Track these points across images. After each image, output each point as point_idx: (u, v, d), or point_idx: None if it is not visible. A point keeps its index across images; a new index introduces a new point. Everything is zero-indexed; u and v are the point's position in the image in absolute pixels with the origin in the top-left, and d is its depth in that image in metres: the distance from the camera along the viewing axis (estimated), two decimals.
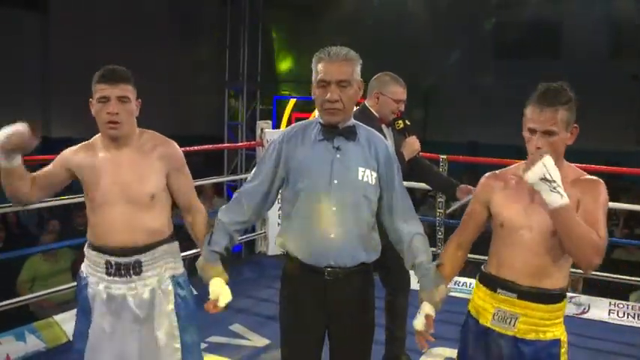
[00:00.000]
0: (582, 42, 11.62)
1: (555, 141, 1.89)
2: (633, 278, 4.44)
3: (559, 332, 2.00)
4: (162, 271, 2.24)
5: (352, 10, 11.69)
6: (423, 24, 11.51)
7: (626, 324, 4.27)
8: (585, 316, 4.38)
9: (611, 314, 4.35)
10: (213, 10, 11.66)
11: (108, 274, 2.18)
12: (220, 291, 2.15)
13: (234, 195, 2.25)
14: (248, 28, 9.84)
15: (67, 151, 2.24)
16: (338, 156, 2.09)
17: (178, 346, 2.24)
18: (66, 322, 3.69)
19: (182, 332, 2.25)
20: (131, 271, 2.18)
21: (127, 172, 2.17)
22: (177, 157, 2.30)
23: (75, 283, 4.18)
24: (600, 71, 11.25)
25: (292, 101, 9.96)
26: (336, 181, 2.07)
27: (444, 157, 4.59)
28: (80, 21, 9.92)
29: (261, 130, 5.44)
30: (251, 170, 8.49)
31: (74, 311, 3.74)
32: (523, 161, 2.00)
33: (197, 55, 12.35)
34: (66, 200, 4.02)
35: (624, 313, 4.32)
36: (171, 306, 2.23)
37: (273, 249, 5.27)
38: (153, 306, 2.21)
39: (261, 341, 3.72)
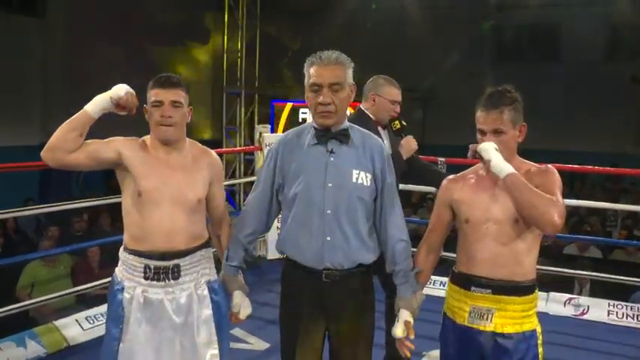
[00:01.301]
0: (581, 44, 11.69)
1: (504, 139, 2.03)
2: (633, 279, 4.47)
3: (534, 323, 2.09)
4: (198, 276, 2.24)
5: (351, 14, 11.74)
6: (423, 27, 11.57)
7: (626, 325, 4.29)
8: (585, 317, 4.41)
9: (610, 315, 4.37)
10: (211, 14, 11.72)
11: (146, 278, 2.17)
12: (242, 303, 2.26)
13: (243, 207, 2.33)
14: (246, 32, 9.88)
15: (123, 138, 2.23)
16: (332, 159, 2.13)
17: (216, 352, 2.24)
18: (66, 327, 3.72)
19: (218, 337, 2.26)
20: (169, 276, 2.17)
21: (178, 174, 2.19)
22: (220, 168, 2.36)
23: (75, 289, 4.27)
24: (599, 73, 11.31)
25: (289, 105, 10.03)
26: (330, 184, 2.11)
27: (442, 159, 4.58)
28: (78, 24, 9.95)
29: (260, 134, 5.45)
30: (249, 175, 8.56)
31: (74, 316, 3.84)
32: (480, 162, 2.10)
33: (195, 60, 12.39)
34: (65, 206, 4.06)
35: (623, 314, 4.35)
36: (208, 311, 2.23)
37: (272, 253, 5.30)
38: (190, 311, 2.20)
39: (261, 345, 3.75)
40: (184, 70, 11.91)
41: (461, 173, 2.23)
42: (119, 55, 10.08)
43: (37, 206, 4.44)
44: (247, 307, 2.28)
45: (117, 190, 2.31)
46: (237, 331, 3.88)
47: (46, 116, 9.63)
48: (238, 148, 9.54)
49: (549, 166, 2.09)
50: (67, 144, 2.08)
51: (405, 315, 2.16)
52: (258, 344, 3.76)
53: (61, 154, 2.09)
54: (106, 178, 10.09)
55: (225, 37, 9.99)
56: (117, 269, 2.26)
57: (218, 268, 2.35)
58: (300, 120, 9.52)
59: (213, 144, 8.89)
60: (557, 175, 2.05)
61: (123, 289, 2.20)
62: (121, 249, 2.25)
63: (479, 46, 12.71)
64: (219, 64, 10.31)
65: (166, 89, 2.15)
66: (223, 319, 2.29)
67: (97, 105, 2.11)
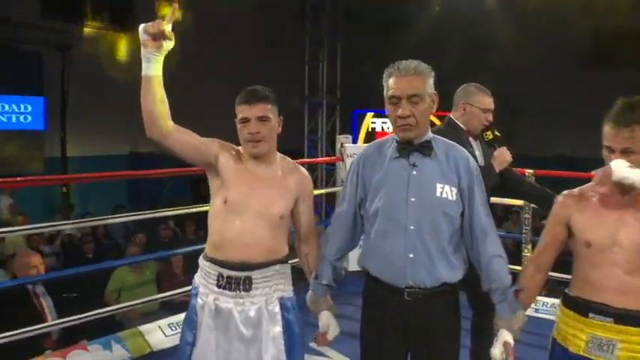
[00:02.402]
0: None
1: (633, 159, 1.84)
2: None
3: None
4: (270, 291, 2.21)
5: (435, 23, 11.57)
6: (512, 33, 11.23)
7: None
8: None
9: None
10: (293, 25, 11.87)
11: (218, 286, 2.18)
12: (330, 324, 2.25)
13: (330, 224, 2.31)
14: (327, 42, 9.95)
15: (223, 143, 2.24)
16: (414, 173, 2.06)
17: None
18: (150, 333, 3.83)
19: (287, 357, 2.22)
20: (241, 287, 2.17)
21: (264, 187, 2.19)
22: (309, 186, 2.34)
23: (159, 295, 4.38)
24: None
25: (370, 115, 10.00)
26: (413, 199, 2.04)
27: (530, 171, 4.41)
28: None
29: (341, 144, 5.43)
30: (331, 185, 8.57)
31: (158, 322, 3.94)
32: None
33: (277, 70, 12.58)
34: (152, 214, 4.20)
35: None
36: (278, 328, 2.20)
37: (353, 265, 5.24)
38: (259, 326, 2.18)
39: (340, 359, 3.70)
40: (266, 80, 12.10)
41: (578, 189, 2.05)
42: (204, 65, 10.35)
43: (126, 214, 4.61)
44: (335, 328, 2.25)
45: (202, 200, 2.35)
46: (316, 344, 3.86)
47: (134, 127, 10.03)
48: (320, 159, 9.59)
49: None
50: (150, 115, 2.06)
51: (504, 335, 2.03)
52: (337, 358, 3.72)
53: (156, 129, 2.07)
54: (193, 187, 10.42)
55: (307, 47, 10.09)
56: (196, 275, 2.30)
57: (298, 285, 2.33)
58: (370, 129, 9.49)
59: (295, 154, 9.02)
60: None
61: (197, 294, 2.23)
62: (202, 255, 2.28)
63: (572, 52, 12.19)
64: (301, 74, 10.42)
65: (252, 105, 2.15)
66: (294, 338, 2.23)
67: (143, 62, 2.04)
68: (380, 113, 10.02)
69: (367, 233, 2.17)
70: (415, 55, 2.11)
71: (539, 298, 4.34)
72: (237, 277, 2.16)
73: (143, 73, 2.03)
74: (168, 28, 1.98)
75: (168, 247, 6.05)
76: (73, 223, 4.84)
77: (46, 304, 3.86)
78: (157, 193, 9.89)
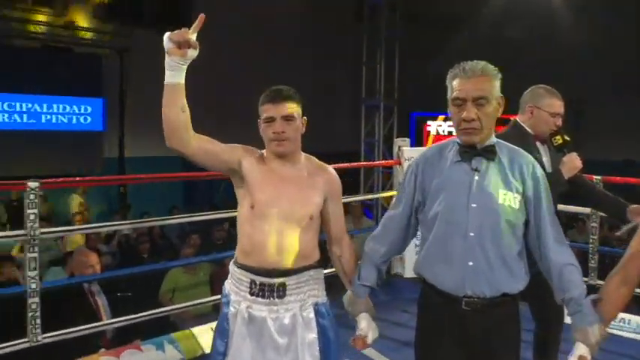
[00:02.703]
0: None
1: None
2: None
3: None
4: (305, 297, 2.19)
5: (497, 21, 11.35)
6: (577, 35, 10.91)
7: None
8: None
9: None
10: (350, 26, 11.87)
11: (251, 293, 2.16)
12: (369, 327, 2.20)
13: (379, 225, 2.27)
14: (385, 43, 9.89)
15: (245, 147, 2.23)
16: (476, 178, 2.01)
17: None
18: (202, 334, 3.88)
19: None
20: (274, 294, 2.14)
21: (292, 189, 2.17)
22: (338, 185, 2.30)
23: (212, 297, 4.44)
24: None
25: (427, 117, 9.92)
26: (474, 205, 1.99)
27: (598, 177, 4.25)
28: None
29: (399, 148, 5.39)
30: (388, 189, 8.53)
31: (210, 325, 3.98)
32: None
33: (333, 72, 12.60)
34: (208, 216, 4.26)
35: None
36: (313, 335, 2.17)
37: (409, 271, 5.19)
38: (294, 333, 2.16)
39: None
40: (323, 81, 12.14)
41: None
42: (255, 68, 10.45)
43: (182, 215, 4.68)
44: (375, 331, 2.21)
45: None
46: (370, 351, 3.82)
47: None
48: (377, 162, 9.53)
49: None
50: (172, 124, 2.04)
51: (580, 349, 1.93)
52: None
53: (176, 138, 2.06)
54: None
55: (365, 48, 10.06)
56: (226, 282, 2.28)
57: (330, 291, 2.30)
58: (434, 134, 9.39)
59: (351, 157, 9.01)
60: None
61: (229, 302, 2.21)
62: (232, 262, 2.27)
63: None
64: (358, 76, 10.41)
65: (277, 104, 2.13)
66: (330, 344, 2.20)
67: (166, 70, 2.03)
68: (438, 116, 9.93)
69: (424, 239, 2.13)
70: (479, 57, 2.05)
71: (625, 315, 4.13)
72: (270, 284, 2.14)
73: (166, 81, 2.03)
74: (193, 37, 1.99)
75: (221, 249, 6.13)
76: (130, 224, 4.96)
77: (101, 302, 3.96)
78: (212, 194, 10.06)
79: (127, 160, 10.37)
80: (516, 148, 2.11)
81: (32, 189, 3.11)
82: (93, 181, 4.92)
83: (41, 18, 9.25)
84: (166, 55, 2.01)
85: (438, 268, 2.06)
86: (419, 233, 2.22)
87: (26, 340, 3.13)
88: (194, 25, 1.99)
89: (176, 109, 2.04)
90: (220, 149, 2.17)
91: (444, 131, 10.41)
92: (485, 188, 1.99)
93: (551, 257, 2.00)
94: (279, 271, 2.15)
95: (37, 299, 3.13)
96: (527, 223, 2.03)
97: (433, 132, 10.15)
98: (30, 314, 3.12)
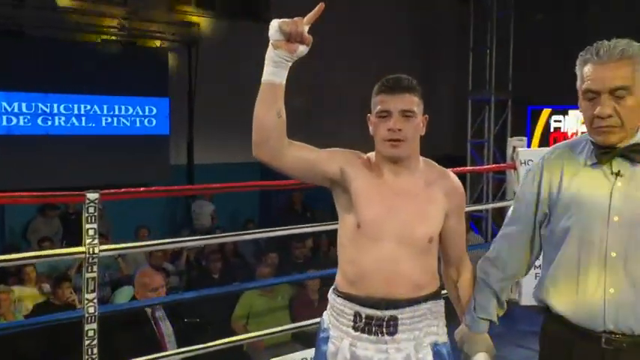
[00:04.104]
0: None
1: None
2: None
3: None
4: (420, 335, 2.11)
5: None
6: None
7: None
8: None
9: None
10: (454, 6, 11.72)
11: (355, 328, 2.10)
12: None
13: (494, 242, 2.20)
14: (496, 25, 9.70)
15: (345, 151, 2.18)
16: (619, 184, 1.91)
17: None
18: None
19: None
20: (384, 330, 2.08)
21: (406, 203, 2.10)
22: (462, 197, 2.23)
23: (292, 325, 4.46)
24: None
25: (546, 112, 9.61)
26: (616, 218, 1.89)
27: None
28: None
29: (514, 149, 5.26)
30: (500, 199, 8.34)
31: (291, 356, 3.99)
32: None
33: (435, 61, 12.47)
34: (284, 231, 4.27)
35: None
36: None
37: (527, 298, 5.03)
38: None
39: None
40: (423, 72, 12.04)
41: None
42: (359, 61, 10.48)
43: (258, 230, 4.73)
44: None
45: None
46: None
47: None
48: (486, 167, 9.34)
49: None
50: (265, 129, 1.98)
51: None
52: None
53: (268, 147, 2.00)
54: (332, 198, 10.58)
55: (472, 32, 9.91)
56: (325, 313, 2.24)
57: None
58: (553, 129, 9.09)
59: (455, 161, 8.87)
60: None
61: (328, 338, 2.17)
62: (331, 290, 2.22)
63: None
64: (464, 65, 10.27)
65: (395, 95, 2.06)
66: None
67: (267, 65, 1.97)
68: (560, 109, 9.59)
69: (549, 259, 2.04)
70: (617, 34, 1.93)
71: None
72: (379, 318, 2.08)
73: (265, 78, 1.97)
74: (306, 29, 1.93)
75: (302, 269, 6.16)
76: (199, 239, 5.04)
77: (165, 330, 4.03)
78: (291, 206, 10.13)
79: (197, 167, 10.60)
80: None
81: (91, 201, 3.19)
82: (159, 192, 5.02)
83: (100, 10, 9.58)
84: (271, 48, 1.95)
85: (568, 295, 1.96)
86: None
87: None
88: (310, 15, 1.94)
89: (272, 114, 1.98)
90: (316, 157, 2.12)
91: (563, 127, 10.03)
92: (630, 197, 1.88)
93: None
94: (390, 301, 2.08)
95: (94, 325, 3.20)
96: None
97: (555, 129, 9.81)
98: (87, 342, 3.20)
